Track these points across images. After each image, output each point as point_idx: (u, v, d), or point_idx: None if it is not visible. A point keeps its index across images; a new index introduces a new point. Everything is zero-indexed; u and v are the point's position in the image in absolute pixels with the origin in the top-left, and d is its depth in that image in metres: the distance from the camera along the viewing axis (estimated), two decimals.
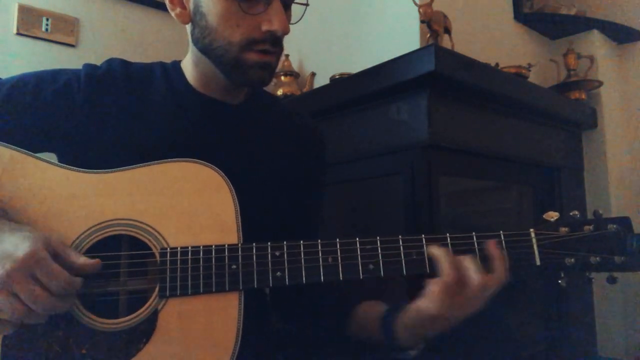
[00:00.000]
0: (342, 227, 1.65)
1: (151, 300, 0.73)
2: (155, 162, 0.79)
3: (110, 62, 0.96)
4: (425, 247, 0.79)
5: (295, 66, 2.18)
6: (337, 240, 0.78)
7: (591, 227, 0.80)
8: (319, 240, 0.78)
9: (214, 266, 0.74)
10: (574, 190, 2.04)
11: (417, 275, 0.79)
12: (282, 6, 0.85)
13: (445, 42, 1.65)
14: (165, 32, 2.25)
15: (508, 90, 1.63)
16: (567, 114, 1.96)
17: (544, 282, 1.84)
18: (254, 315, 0.95)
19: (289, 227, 0.95)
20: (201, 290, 0.74)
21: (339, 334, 0.96)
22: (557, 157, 1.96)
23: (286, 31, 0.86)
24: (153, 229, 0.75)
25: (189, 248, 0.75)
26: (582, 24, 2.23)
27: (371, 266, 0.77)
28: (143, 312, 0.73)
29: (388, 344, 0.85)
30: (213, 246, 0.75)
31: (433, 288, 0.75)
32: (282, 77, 2.07)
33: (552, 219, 0.82)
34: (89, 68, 0.93)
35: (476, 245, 0.80)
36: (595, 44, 2.20)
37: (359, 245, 0.78)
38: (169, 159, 0.79)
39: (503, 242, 0.81)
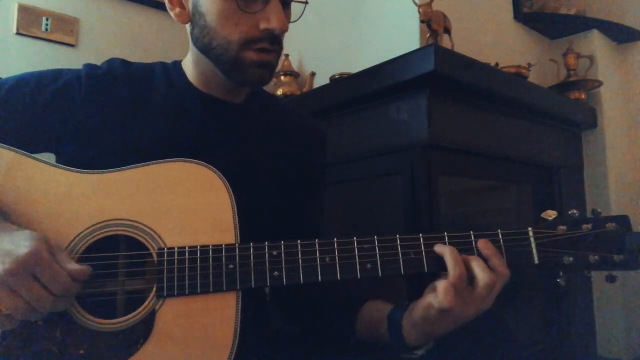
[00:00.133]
0: (342, 227, 1.65)
1: (149, 300, 0.73)
2: (153, 162, 0.78)
3: (111, 62, 0.96)
4: (423, 247, 0.79)
5: (295, 66, 2.18)
6: (335, 240, 0.78)
7: (590, 226, 0.80)
8: (317, 240, 0.77)
9: (211, 266, 0.74)
10: (573, 190, 2.04)
11: (417, 275, 0.79)
12: (280, 5, 0.85)
13: (445, 42, 1.65)
14: (165, 32, 2.26)
15: (508, 90, 1.63)
16: (567, 114, 1.96)
17: (544, 282, 1.84)
18: (253, 316, 0.95)
19: (289, 227, 0.95)
20: (199, 291, 0.73)
21: (345, 334, 0.95)
22: (557, 157, 1.96)
23: (284, 29, 0.85)
24: (150, 229, 0.75)
25: (187, 248, 0.75)
26: (582, 24, 2.23)
27: (369, 266, 0.77)
28: (141, 312, 0.73)
29: (395, 342, 0.84)
30: (210, 246, 0.75)
31: (443, 283, 0.75)
32: (282, 77, 2.07)
33: (550, 218, 0.82)
34: (90, 68, 0.92)
35: (474, 245, 0.80)
36: (595, 44, 2.20)
37: (357, 245, 0.78)
38: (167, 160, 0.79)
39: (501, 240, 0.80)
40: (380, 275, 0.77)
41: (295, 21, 0.92)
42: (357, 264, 0.77)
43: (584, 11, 2.33)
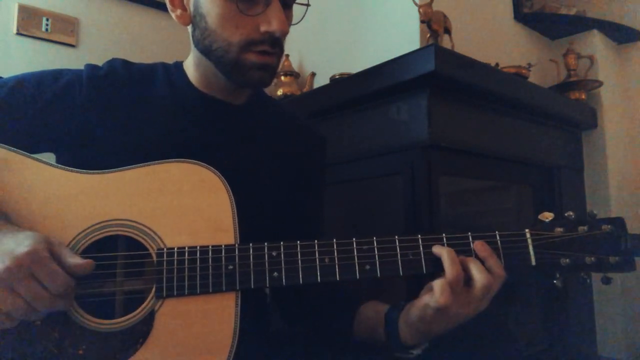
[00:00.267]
0: (342, 227, 1.66)
1: (148, 300, 0.73)
2: (153, 162, 0.79)
3: (112, 63, 0.96)
4: (421, 247, 0.79)
5: (295, 66, 2.18)
6: (334, 240, 0.78)
7: (585, 228, 0.81)
8: (316, 241, 0.78)
9: (210, 266, 0.74)
10: (573, 190, 2.04)
11: (415, 275, 0.79)
12: (281, 7, 0.85)
13: (445, 42, 1.65)
14: (166, 32, 2.26)
15: (508, 90, 1.63)
16: (567, 114, 1.95)
17: (543, 283, 1.84)
18: (252, 316, 0.95)
19: (289, 228, 0.95)
20: (198, 291, 0.74)
21: (343, 334, 0.96)
22: (557, 157, 1.96)
23: (285, 32, 0.85)
24: (150, 229, 0.75)
25: (186, 248, 0.75)
26: (582, 24, 2.23)
27: (368, 267, 0.77)
28: (140, 312, 0.73)
29: (392, 342, 0.85)
30: (210, 246, 0.75)
31: (439, 282, 0.76)
32: (282, 77, 2.07)
33: (546, 220, 0.83)
34: (91, 68, 0.92)
35: (472, 245, 0.80)
36: (595, 44, 2.19)
37: (356, 245, 0.78)
38: (167, 160, 0.79)
39: (498, 241, 0.81)
40: (378, 275, 0.78)
41: (297, 23, 0.92)
42: (356, 264, 0.77)
43: (584, 11, 2.33)
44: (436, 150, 1.43)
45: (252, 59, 0.86)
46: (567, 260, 0.80)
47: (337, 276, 0.77)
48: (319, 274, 0.76)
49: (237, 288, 0.74)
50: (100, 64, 0.96)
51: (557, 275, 0.81)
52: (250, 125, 1.00)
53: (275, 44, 0.87)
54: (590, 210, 0.83)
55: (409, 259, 0.78)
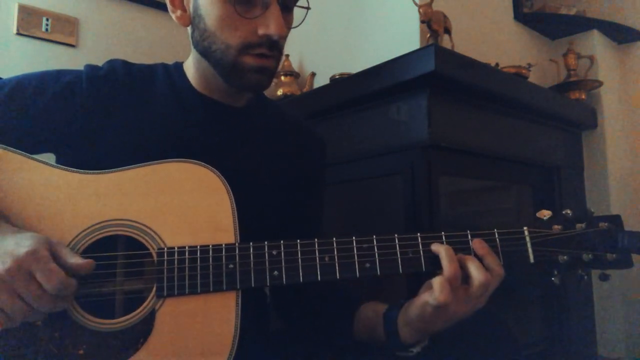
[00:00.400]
0: (342, 227, 1.66)
1: (148, 300, 0.73)
2: (153, 162, 0.79)
3: (112, 63, 0.96)
4: (421, 245, 0.79)
5: (295, 66, 2.18)
6: (334, 239, 0.78)
7: (583, 225, 0.82)
8: (316, 240, 0.78)
9: (211, 266, 0.74)
10: (573, 190, 2.04)
11: (415, 274, 0.79)
12: (279, 10, 0.84)
13: (445, 42, 1.65)
14: (166, 32, 2.26)
15: (508, 90, 1.63)
16: (567, 114, 1.96)
17: (543, 282, 1.84)
18: (253, 315, 0.95)
19: (289, 229, 0.95)
20: (198, 290, 0.74)
21: (343, 334, 0.96)
22: (557, 157, 1.96)
23: (283, 35, 0.85)
24: (150, 229, 0.75)
25: (186, 248, 0.75)
26: (582, 24, 2.23)
27: (368, 265, 0.78)
28: (140, 312, 0.73)
29: (391, 340, 0.85)
30: (210, 246, 0.75)
31: (438, 279, 0.76)
32: (282, 77, 2.07)
33: (544, 218, 0.84)
34: (91, 69, 0.92)
35: (471, 244, 0.81)
36: (595, 44, 2.20)
37: (356, 244, 0.78)
38: (167, 160, 0.79)
39: (497, 239, 0.82)
40: (378, 274, 0.78)
41: (297, 27, 0.92)
42: (356, 263, 0.78)
43: (584, 11, 2.33)
44: (436, 150, 1.44)
45: (250, 62, 0.86)
46: (565, 257, 0.80)
47: (337, 274, 0.77)
48: (319, 272, 0.76)
49: (238, 287, 0.75)
50: (100, 64, 0.96)
51: (555, 273, 0.81)
52: (250, 127, 1.00)
53: (273, 47, 0.86)
54: (588, 208, 0.83)
55: (408, 257, 0.79)
